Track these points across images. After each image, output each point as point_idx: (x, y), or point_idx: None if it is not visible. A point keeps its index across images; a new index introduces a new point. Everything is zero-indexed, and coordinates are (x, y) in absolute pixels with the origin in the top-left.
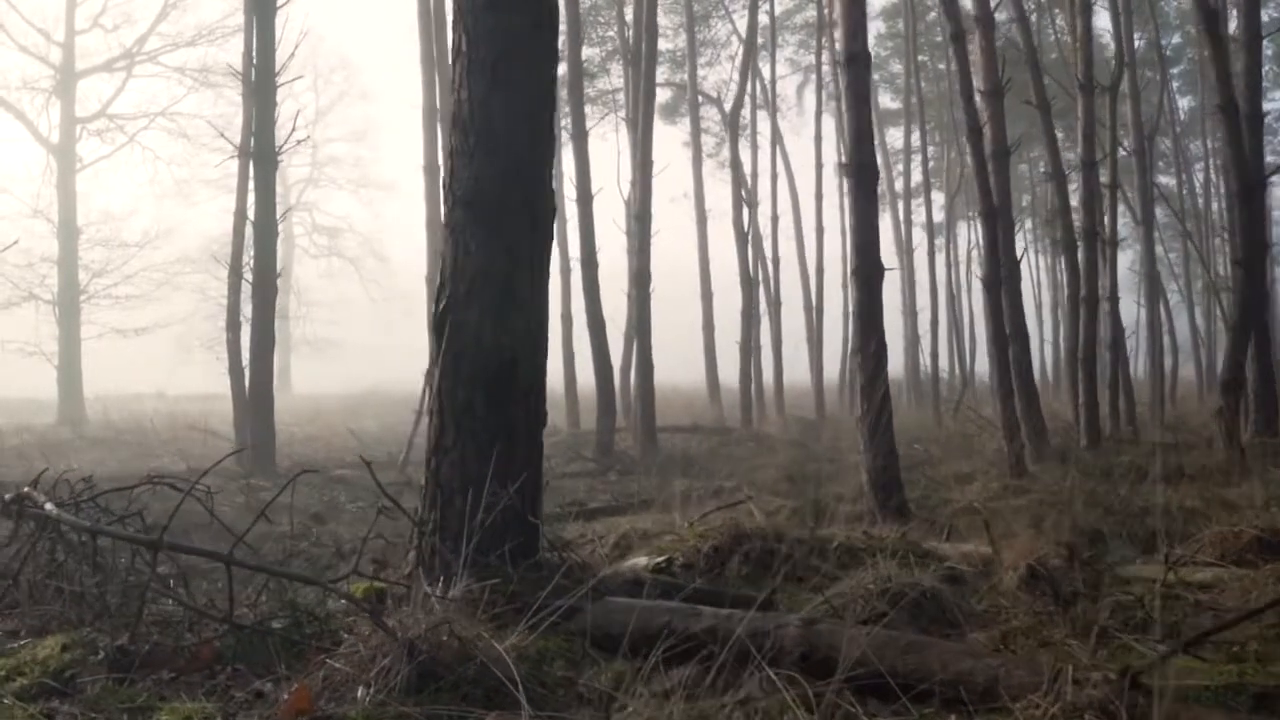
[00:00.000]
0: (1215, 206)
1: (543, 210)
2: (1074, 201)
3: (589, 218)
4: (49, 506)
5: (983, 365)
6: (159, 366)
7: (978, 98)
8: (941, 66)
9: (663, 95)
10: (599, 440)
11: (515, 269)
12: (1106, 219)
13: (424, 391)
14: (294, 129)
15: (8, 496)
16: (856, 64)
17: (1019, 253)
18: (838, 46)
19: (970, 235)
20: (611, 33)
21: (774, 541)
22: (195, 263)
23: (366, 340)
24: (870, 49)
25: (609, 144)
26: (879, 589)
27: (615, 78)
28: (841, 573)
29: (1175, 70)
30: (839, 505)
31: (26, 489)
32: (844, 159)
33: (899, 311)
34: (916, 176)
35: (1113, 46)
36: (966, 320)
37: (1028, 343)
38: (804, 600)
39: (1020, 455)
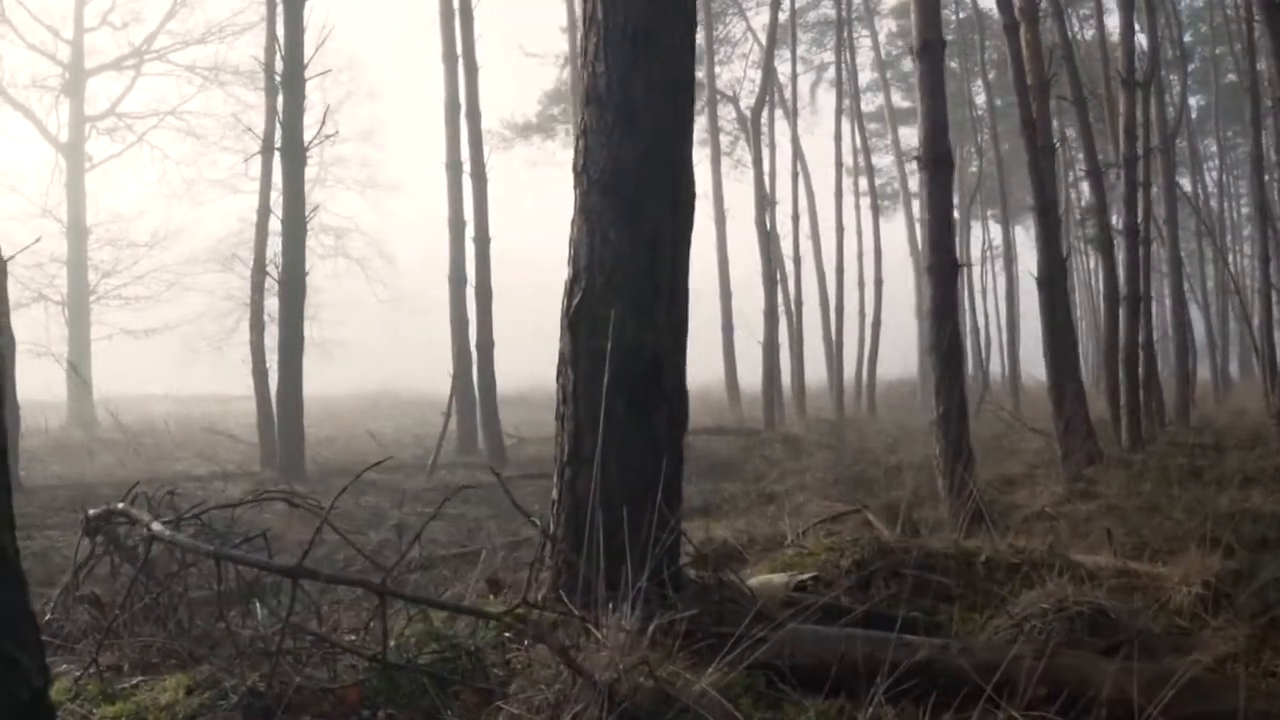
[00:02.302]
0: (1226, 206)
1: (686, 193)
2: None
3: None
4: (156, 526)
5: (996, 365)
6: (167, 367)
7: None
8: (953, 65)
9: None
10: None
11: (658, 257)
12: (1140, 217)
13: (452, 393)
14: (323, 123)
15: (92, 513)
16: (931, 52)
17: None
18: (891, 32)
19: (985, 235)
20: None
21: (920, 555)
22: (206, 263)
23: (372, 341)
24: (881, 48)
25: None
26: (1055, 609)
27: None
28: (999, 589)
29: (1188, 69)
30: (908, 511)
31: (120, 505)
32: (918, 151)
33: (913, 312)
34: None
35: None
36: (983, 321)
37: (1075, 343)
38: (973, 622)
39: (1079, 459)
